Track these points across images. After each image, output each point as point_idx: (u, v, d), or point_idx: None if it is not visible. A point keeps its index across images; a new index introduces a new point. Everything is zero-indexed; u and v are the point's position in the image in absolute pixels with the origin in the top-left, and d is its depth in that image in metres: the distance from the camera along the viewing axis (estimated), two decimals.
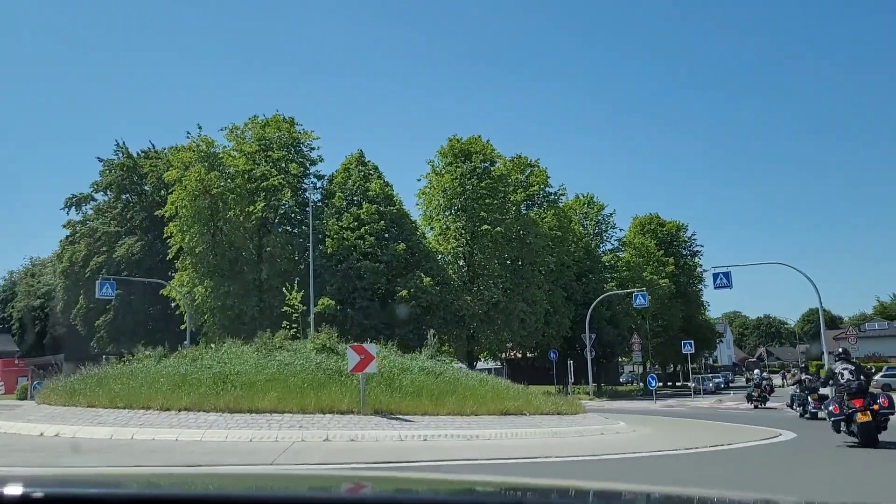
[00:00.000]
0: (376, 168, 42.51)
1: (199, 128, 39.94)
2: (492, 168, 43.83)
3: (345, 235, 38.50)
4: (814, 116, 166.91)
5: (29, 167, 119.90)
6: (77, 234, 51.25)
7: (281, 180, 39.04)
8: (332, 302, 36.67)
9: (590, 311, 41.38)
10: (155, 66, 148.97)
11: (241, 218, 39.09)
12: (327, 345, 16.20)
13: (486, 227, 41.15)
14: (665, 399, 39.73)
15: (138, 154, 51.31)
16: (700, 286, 69.12)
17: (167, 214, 39.80)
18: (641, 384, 55.90)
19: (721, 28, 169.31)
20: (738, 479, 8.35)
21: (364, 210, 39.13)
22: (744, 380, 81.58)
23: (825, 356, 28.95)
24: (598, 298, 43.42)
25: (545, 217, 46.95)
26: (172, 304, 42.76)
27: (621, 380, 69.77)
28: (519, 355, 57.16)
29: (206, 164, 38.80)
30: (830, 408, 12.44)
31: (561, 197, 50.75)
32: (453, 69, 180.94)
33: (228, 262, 38.84)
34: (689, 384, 52.46)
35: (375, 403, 13.21)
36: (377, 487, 2.20)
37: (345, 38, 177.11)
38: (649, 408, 29.61)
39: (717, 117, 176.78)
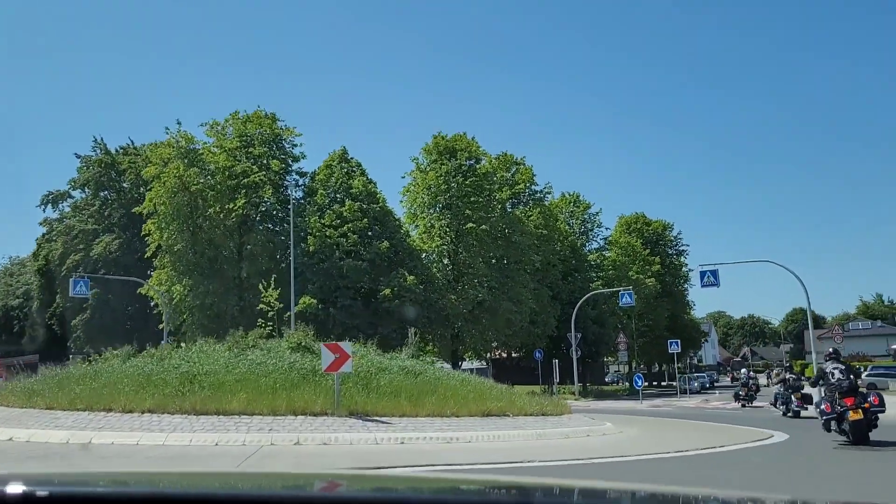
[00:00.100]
0: (359, 165, 41.86)
1: (179, 123, 39.03)
2: (477, 166, 43.35)
3: (327, 233, 37.82)
4: (804, 114, 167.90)
5: (5, 164, 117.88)
6: (54, 232, 50.25)
7: (262, 177, 38.28)
8: (314, 301, 35.99)
9: (575, 310, 40.96)
10: (134, 61, 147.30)
11: (222, 215, 38.30)
12: (303, 343, 15.55)
13: (471, 225, 40.62)
14: (651, 399, 39.39)
15: (117, 150, 50.29)
16: (686, 285, 69.22)
17: (145, 212, 38.91)
18: (627, 384, 55.63)
19: (709, 23, 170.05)
20: (737, 485, 7.81)
21: (347, 207, 38.45)
22: (728, 379, 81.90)
23: (813, 354, 28.68)
24: (584, 297, 43.02)
25: (531, 215, 46.51)
26: (152, 304, 41.88)
27: (607, 379, 69.52)
28: (504, 355, 56.72)
29: (186, 160, 37.97)
30: (822, 406, 12.44)
31: (547, 195, 50.40)
32: (438, 66, 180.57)
33: (208, 260, 38.03)
34: (675, 384, 52.28)
35: (351, 404, 12.58)
36: (357, 486, 2.18)
37: (328, 34, 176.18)
38: (636, 408, 29.20)
39: (706, 115, 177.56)
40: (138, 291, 40.78)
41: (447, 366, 37.61)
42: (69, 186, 50.62)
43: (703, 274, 30.55)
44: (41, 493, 1.57)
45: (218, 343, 16.31)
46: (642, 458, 10.22)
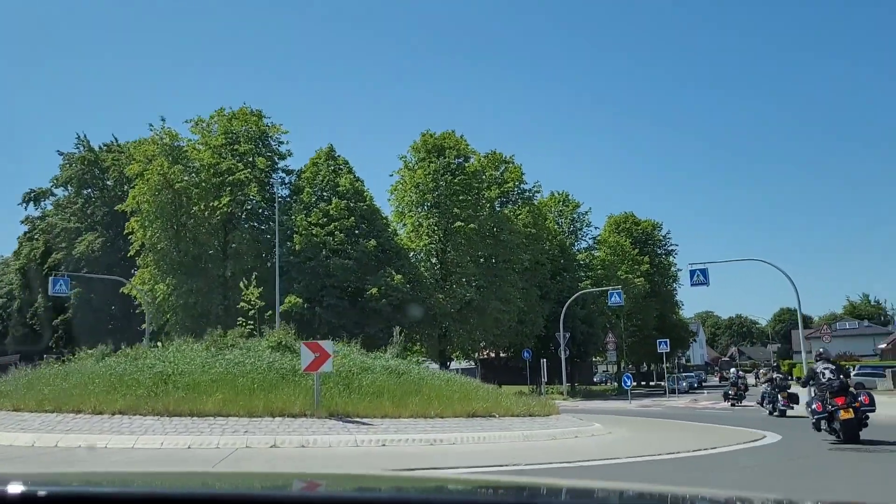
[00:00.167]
0: (346, 163, 41.41)
1: (163, 120, 38.30)
2: (466, 164, 43.01)
3: (313, 232, 37.34)
4: (799, 113, 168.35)
5: None
6: (36, 231, 49.51)
7: (247, 175, 37.74)
8: (300, 300, 35.52)
9: (564, 309, 40.67)
10: (119, 58, 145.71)
11: (206, 213, 37.76)
12: (284, 342, 15.09)
13: (459, 223, 40.26)
14: (640, 399, 39.16)
15: (100, 148, 49.59)
16: (674, 285, 69.20)
17: (128, 209, 38.28)
18: (616, 383, 55.42)
19: (698, 20, 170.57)
20: (734, 488, 7.47)
21: (333, 206, 37.98)
22: (716, 379, 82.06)
23: (803, 354, 28.52)
24: (573, 297, 42.72)
25: (520, 214, 46.18)
26: (135, 303, 41.29)
27: (595, 379, 69.34)
28: (493, 355, 56.36)
29: (170, 157, 37.38)
30: (814, 406, 12.55)
31: (536, 194, 50.03)
32: (426, 63, 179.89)
33: (192, 258, 37.47)
34: (664, 384, 52.12)
35: (331, 405, 12.14)
36: (340, 486, 2.18)
37: (315, 31, 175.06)
38: (625, 408, 28.92)
39: (696, 113, 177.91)
40: (121, 291, 40.17)
41: (435, 366, 37.25)
42: (52, 184, 50.01)
43: (692, 273, 30.35)
44: (41, 493, 1.57)
45: (196, 342, 15.83)
46: (633, 461, 9.85)
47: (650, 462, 9.73)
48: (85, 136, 49.40)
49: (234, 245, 38.17)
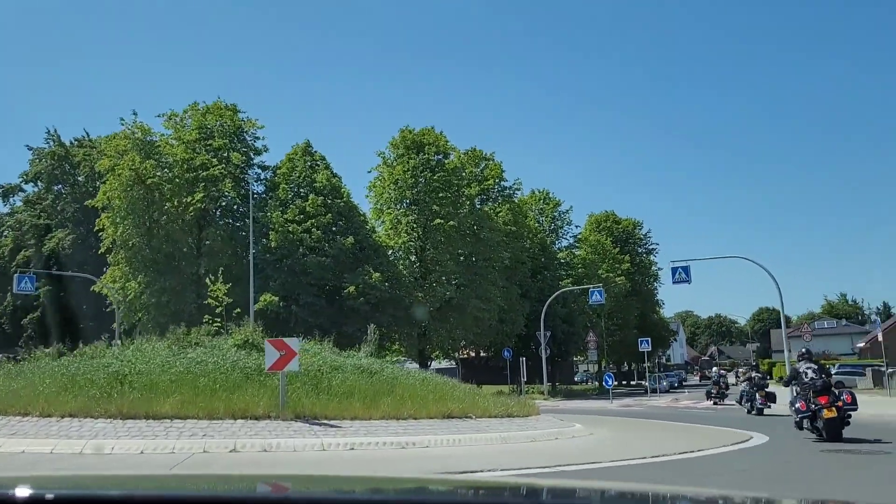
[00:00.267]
0: (323, 159, 40.64)
1: (135, 114, 37.31)
2: (445, 161, 42.35)
3: (290, 229, 36.53)
4: (790, 111, 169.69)
5: None
6: (4, 227, 48.18)
7: (222, 170, 36.83)
8: (276, 298, 34.71)
9: (545, 308, 40.22)
10: (90, 50, 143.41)
11: (179, 210, 36.76)
12: (250, 340, 14.38)
13: (438, 220, 39.65)
14: (621, 398, 38.79)
15: (71, 142, 48.34)
16: (655, 284, 69.14)
17: (99, 205, 37.23)
18: (597, 383, 55.11)
19: (681, 18, 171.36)
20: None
21: (310, 202, 37.19)
22: (697, 378, 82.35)
23: (785, 353, 28.25)
24: (554, 295, 42.28)
25: (500, 212, 45.66)
26: (107, 302, 40.20)
27: (576, 379, 69.11)
28: (473, 354, 55.83)
29: (142, 152, 36.39)
30: (797, 405, 12.75)
31: (516, 192, 49.54)
32: (405, 59, 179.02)
33: (165, 256, 36.51)
34: (644, 383, 51.89)
35: (297, 407, 11.46)
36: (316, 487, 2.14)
37: (292, 26, 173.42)
38: (606, 407, 28.48)
39: (682, 111, 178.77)
40: (91, 289, 39.09)
41: (414, 365, 36.60)
42: (20, 180, 48.66)
43: (674, 270, 30.00)
44: (48, 496, 1.53)
45: (159, 341, 15.06)
46: (617, 465, 9.28)
47: (636, 466, 9.17)
48: (55, 130, 48.10)
49: (208, 242, 37.26)
